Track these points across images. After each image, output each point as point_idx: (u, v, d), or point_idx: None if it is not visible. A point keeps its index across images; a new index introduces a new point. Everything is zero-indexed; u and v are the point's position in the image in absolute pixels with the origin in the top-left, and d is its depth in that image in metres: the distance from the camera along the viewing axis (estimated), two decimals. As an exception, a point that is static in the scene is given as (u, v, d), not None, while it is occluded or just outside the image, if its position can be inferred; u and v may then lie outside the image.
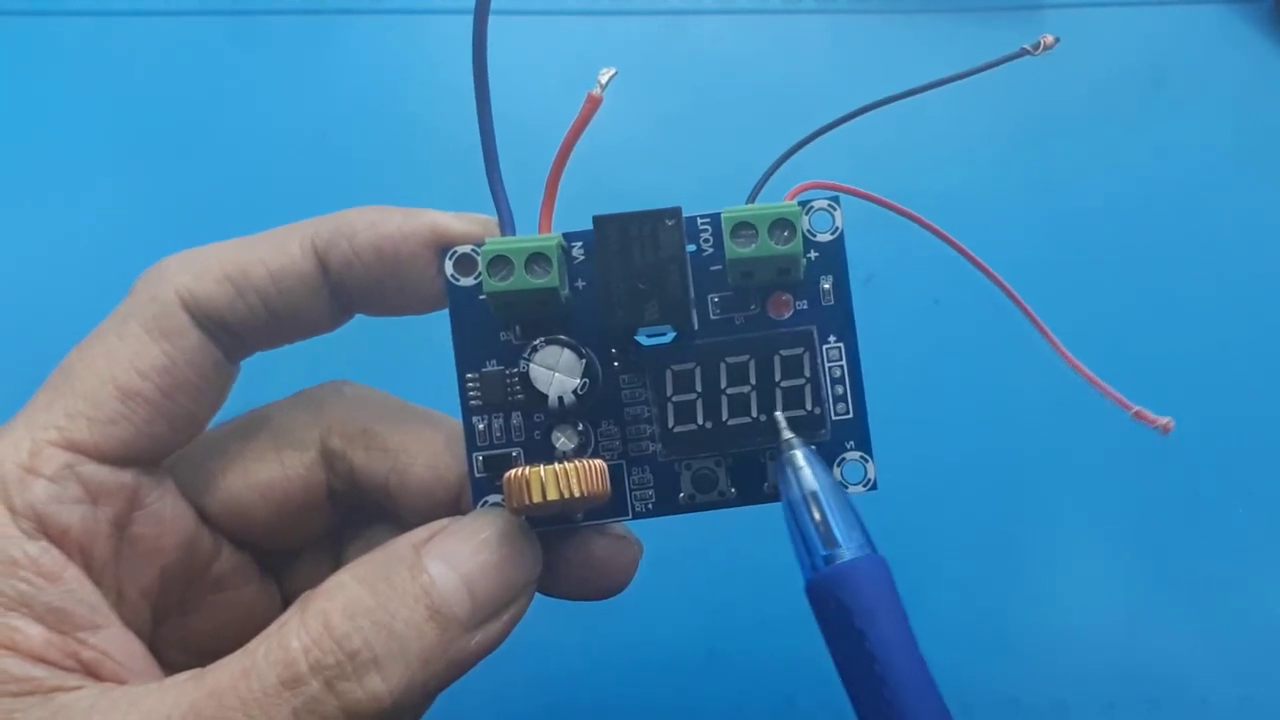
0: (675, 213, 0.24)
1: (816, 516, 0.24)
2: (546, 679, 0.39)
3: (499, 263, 0.23)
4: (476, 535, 0.23)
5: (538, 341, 0.24)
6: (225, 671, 0.22)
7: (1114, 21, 0.49)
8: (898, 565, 0.40)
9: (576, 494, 0.23)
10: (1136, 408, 0.27)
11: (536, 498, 0.22)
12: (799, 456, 0.24)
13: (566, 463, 0.23)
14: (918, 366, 0.42)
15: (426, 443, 0.27)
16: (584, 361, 0.24)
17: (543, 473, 0.22)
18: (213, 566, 0.28)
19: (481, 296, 0.25)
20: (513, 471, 0.23)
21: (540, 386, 0.24)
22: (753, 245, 0.23)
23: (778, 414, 0.24)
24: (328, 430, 0.28)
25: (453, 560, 0.23)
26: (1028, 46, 0.25)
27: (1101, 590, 0.41)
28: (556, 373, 0.24)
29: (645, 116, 0.46)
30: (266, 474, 0.27)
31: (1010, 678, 0.40)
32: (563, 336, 0.24)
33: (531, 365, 0.24)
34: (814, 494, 0.24)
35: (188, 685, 0.22)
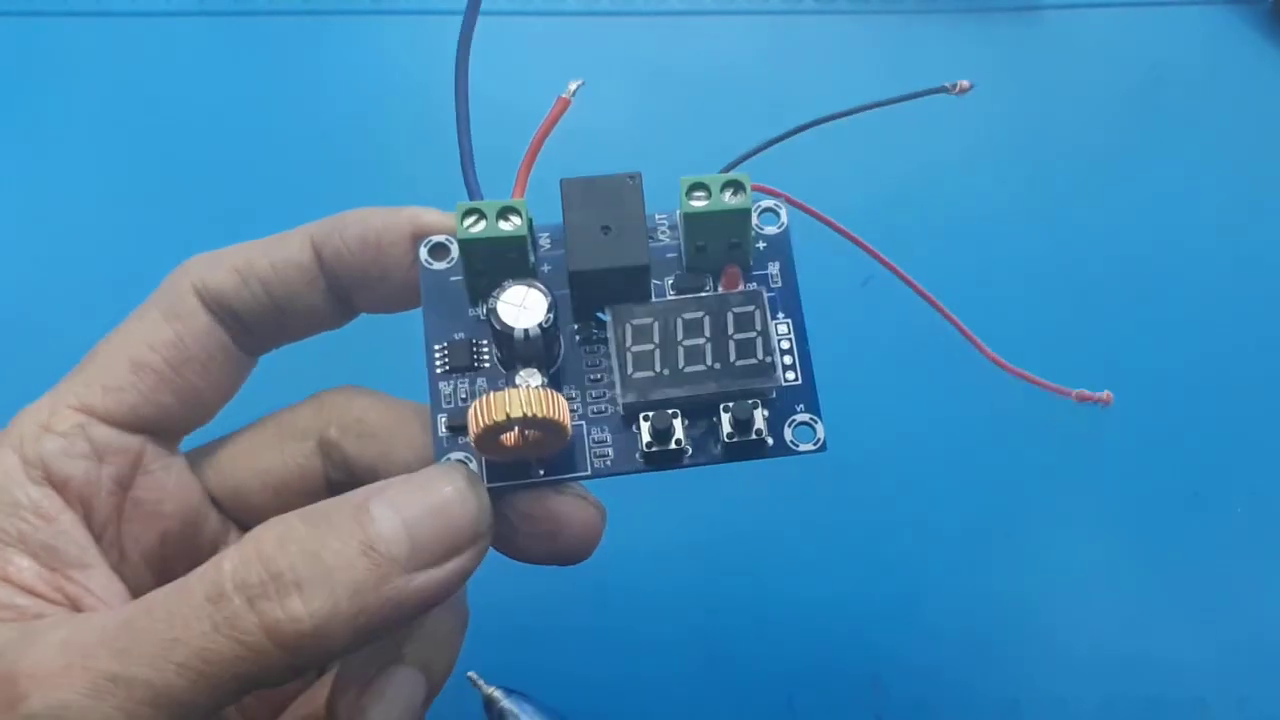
0: (636, 175, 0.26)
1: None
2: (544, 678, 0.39)
3: (471, 213, 0.25)
4: (425, 484, 0.24)
5: (506, 282, 0.25)
6: (162, 590, 0.23)
7: (1114, 22, 0.49)
8: (897, 565, 0.41)
9: (537, 414, 0.23)
10: (1076, 390, 0.28)
11: (499, 415, 0.23)
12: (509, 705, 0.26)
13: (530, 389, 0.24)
14: (917, 367, 0.42)
15: (412, 429, 0.28)
16: (550, 300, 0.25)
17: (507, 393, 0.23)
18: (220, 548, 0.29)
19: (455, 279, 0.26)
20: (479, 397, 0.24)
21: (507, 320, 0.25)
22: (706, 201, 0.26)
23: (471, 674, 0.26)
24: (327, 422, 0.29)
25: (396, 504, 0.24)
26: (946, 85, 0.28)
27: (1101, 588, 0.41)
28: (523, 308, 0.25)
29: (644, 116, 0.46)
30: (268, 461, 0.29)
31: (1009, 677, 0.40)
32: (529, 279, 0.25)
33: (499, 303, 0.25)
34: None
35: (129, 604, 0.23)
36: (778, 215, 0.27)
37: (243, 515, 0.30)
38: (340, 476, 0.29)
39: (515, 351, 0.25)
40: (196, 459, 0.29)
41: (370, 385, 0.30)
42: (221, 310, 0.27)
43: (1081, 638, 0.40)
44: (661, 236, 0.27)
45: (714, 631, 0.40)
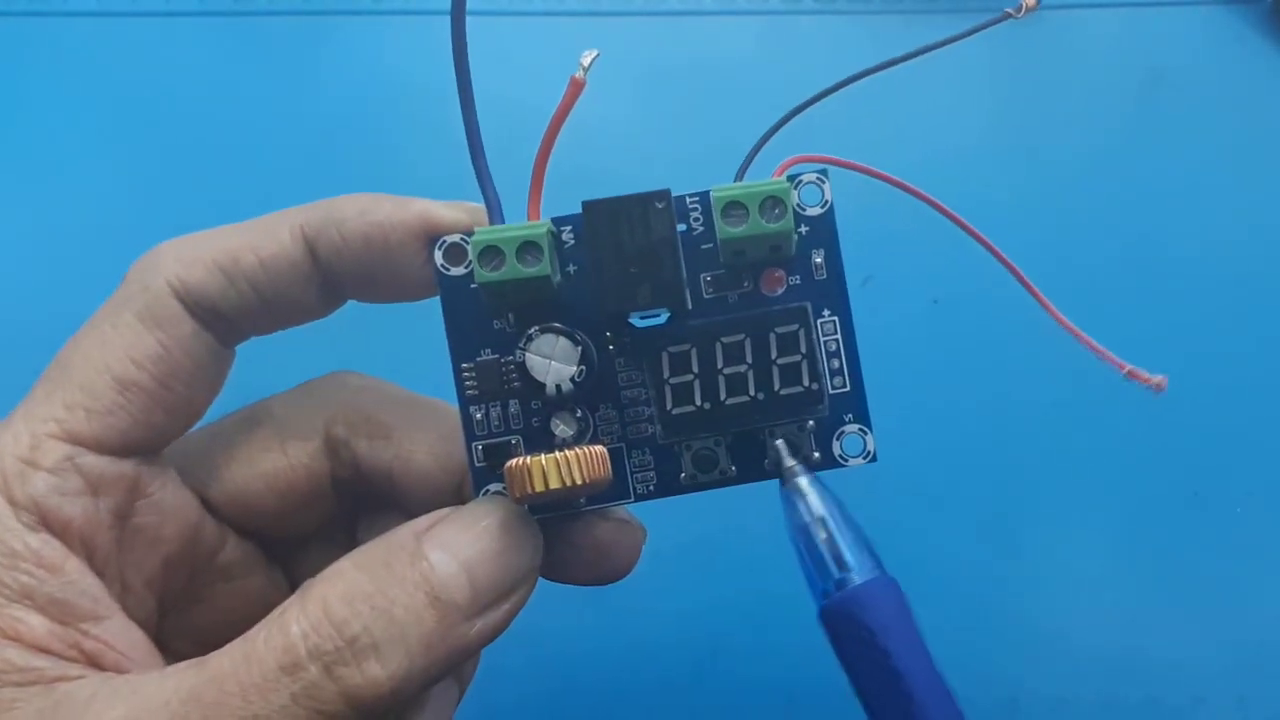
0: (664, 195, 0.23)
1: (827, 541, 0.24)
2: (548, 670, 0.39)
3: (490, 253, 0.23)
4: (477, 523, 0.23)
5: (532, 330, 0.24)
6: (225, 657, 0.22)
7: (1114, 21, 0.49)
8: (897, 564, 0.40)
9: (578, 481, 0.22)
10: (1129, 366, 0.26)
11: (539, 486, 0.22)
12: (804, 483, 0.24)
13: (567, 450, 0.22)
14: (917, 367, 0.42)
15: (428, 430, 0.27)
16: (580, 348, 0.24)
17: (544, 461, 0.22)
18: (218, 556, 0.28)
19: (473, 285, 0.24)
20: (514, 461, 0.23)
21: (537, 375, 0.24)
22: (744, 224, 0.23)
23: (779, 442, 0.25)
24: (331, 419, 0.28)
25: (453, 548, 0.23)
26: (1009, 10, 0.25)
27: (1100, 588, 0.41)
28: (553, 361, 0.24)
29: (645, 117, 0.46)
30: (270, 463, 0.28)
31: (1009, 676, 0.40)
32: (557, 324, 0.24)
33: (528, 354, 0.24)
34: (822, 519, 0.24)
35: (188, 672, 0.22)
36: (820, 190, 0.25)
37: (243, 520, 0.28)
38: (348, 475, 0.28)
39: (549, 401, 0.24)
40: (186, 465, 0.27)
41: (353, 363, 0.29)
42: (206, 313, 0.25)
43: (1081, 637, 0.40)
44: (694, 224, 0.25)
45: (713, 631, 0.40)
